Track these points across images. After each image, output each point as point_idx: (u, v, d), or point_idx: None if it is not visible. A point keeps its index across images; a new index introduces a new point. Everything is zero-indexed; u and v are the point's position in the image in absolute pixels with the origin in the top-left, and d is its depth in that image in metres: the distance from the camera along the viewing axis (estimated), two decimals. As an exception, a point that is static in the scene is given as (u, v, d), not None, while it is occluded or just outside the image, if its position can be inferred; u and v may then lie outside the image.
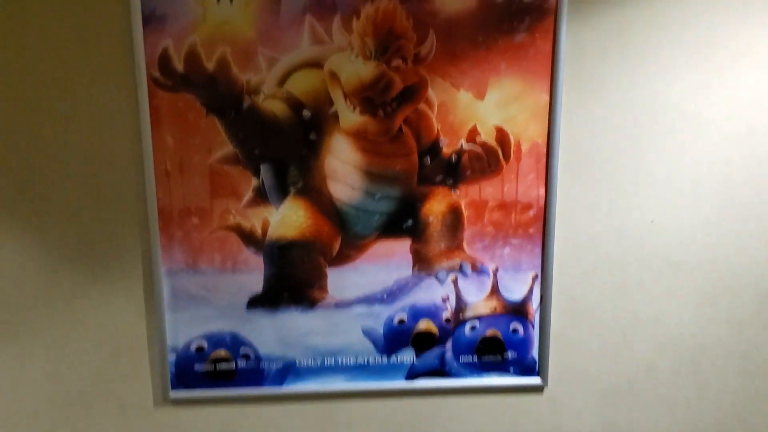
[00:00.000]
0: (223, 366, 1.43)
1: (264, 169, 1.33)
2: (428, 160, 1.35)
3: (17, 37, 1.26)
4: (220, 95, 1.29)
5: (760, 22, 1.36)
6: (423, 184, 1.37)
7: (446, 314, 1.43)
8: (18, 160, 1.31)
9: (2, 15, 1.25)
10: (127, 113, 1.30)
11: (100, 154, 1.32)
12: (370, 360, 1.45)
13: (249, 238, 1.36)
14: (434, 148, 1.35)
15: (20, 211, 1.33)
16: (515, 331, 1.45)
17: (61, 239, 1.35)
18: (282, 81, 1.29)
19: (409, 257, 1.40)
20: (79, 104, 1.29)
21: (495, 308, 1.44)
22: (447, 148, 1.35)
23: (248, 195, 1.34)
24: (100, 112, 1.30)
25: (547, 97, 1.34)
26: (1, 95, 1.28)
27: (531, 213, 1.39)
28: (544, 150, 1.37)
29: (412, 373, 1.47)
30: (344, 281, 1.39)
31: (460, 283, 1.42)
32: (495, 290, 1.43)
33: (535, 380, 1.49)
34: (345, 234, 1.37)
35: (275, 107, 1.31)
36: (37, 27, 1.26)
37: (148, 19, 1.25)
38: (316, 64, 1.29)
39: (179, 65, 1.27)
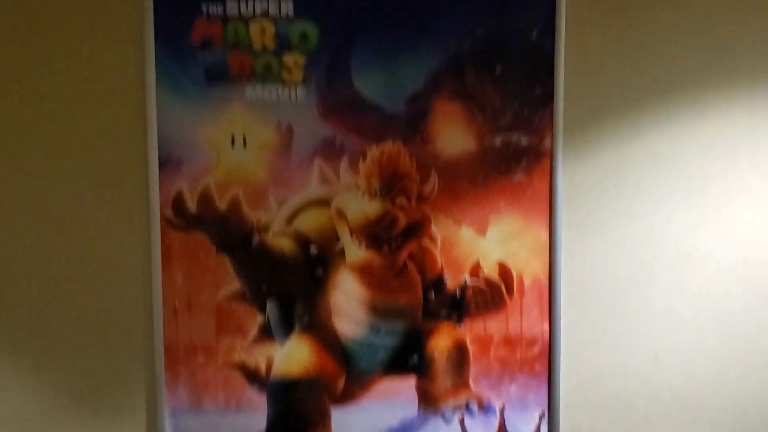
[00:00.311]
0: None
1: (270, 305, 1.35)
2: (432, 294, 1.37)
3: (36, 175, 1.31)
4: (231, 234, 1.33)
5: (750, 162, 1.42)
6: (428, 319, 1.38)
7: (453, 456, 1.40)
8: (27, 296, 1.33)
9: (22, 155, 1.31)
10: (139, 252, 1.33)
11: (109, 291, 1.34)
12: (375, 505, 1.40)
13: (253, 377, 1.35)
14: (438, 283, 1.37)
15: (25, 346, 1.34)
16: (524, 473, 1.41)
17: (66, 376, 1.34)
18: (291, 219, 1.34)
19: (415, 395, 1.38)
20: (91, 242, 1.33)
21: (502, 449, 1.41)
22: (451, 283, 1.37)
23: (253, 332, 1.34)
24: (112, 251, 1.33)
25: (546, 234, 1.38)
26: (14, 230, 1.32)
27: (536, 349, 1.39)
28: (546, 285, 1.39)
29: None
30: (348, 421, 1.37)
31: (467, 422, 1.39)
32: (502, 429, 1.39)
33: None
34: (349, 371, 1.37)
35: (283, 244, 1.34)
36: (56, 167, 1.31)
37: (164, 163, 1.31)
38: (324, 202, 1.34)
39: (192, 206, 1.32)
